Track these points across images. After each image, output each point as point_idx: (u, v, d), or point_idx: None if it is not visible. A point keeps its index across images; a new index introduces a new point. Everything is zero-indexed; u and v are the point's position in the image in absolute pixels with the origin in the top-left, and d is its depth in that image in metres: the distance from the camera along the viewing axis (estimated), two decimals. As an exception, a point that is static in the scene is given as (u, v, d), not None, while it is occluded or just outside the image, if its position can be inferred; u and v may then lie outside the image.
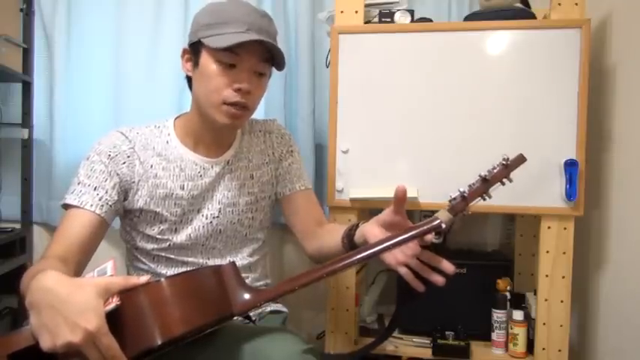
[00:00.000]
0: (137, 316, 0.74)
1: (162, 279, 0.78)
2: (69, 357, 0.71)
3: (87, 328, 0.68)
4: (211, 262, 1.12)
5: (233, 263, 0.88)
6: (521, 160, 0.89)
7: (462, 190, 0.87)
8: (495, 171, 0.88)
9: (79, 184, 1.03)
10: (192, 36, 1.06)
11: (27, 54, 1.82)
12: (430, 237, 0.87)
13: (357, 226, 1.00)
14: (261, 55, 1.03)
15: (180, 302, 0.76)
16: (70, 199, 1.01)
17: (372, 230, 0.91)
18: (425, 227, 0.85)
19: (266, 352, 0.86)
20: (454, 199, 0.87)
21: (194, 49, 1.06)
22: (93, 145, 1.07)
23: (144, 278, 0.76)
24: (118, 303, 0.73)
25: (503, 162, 0.88)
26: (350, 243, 1.00)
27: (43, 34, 1.83)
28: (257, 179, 1.18)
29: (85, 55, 1.83)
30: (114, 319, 0.72)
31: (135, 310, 0.74)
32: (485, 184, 0.87)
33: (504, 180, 0.88)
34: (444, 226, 0.85)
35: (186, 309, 0.77)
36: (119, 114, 1.78)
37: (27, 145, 1.84)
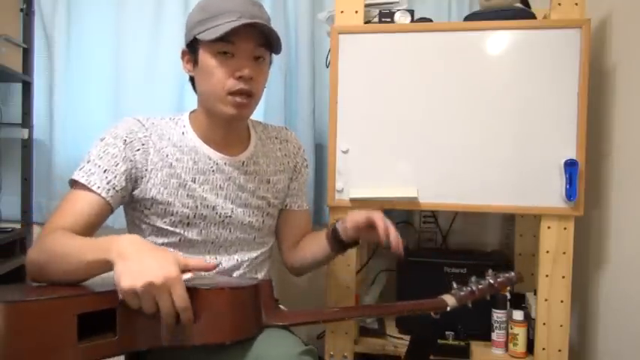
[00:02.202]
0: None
1: (219, 288, 0.84)
2: (137, 307, 0.77)
3: (170, 273, 0.76)
4: (218, 261, 1.12)
5: (269, 281, 0.95)
6: (520, 279, 1.13)
7: (473, 287, 1.07)
8: (500, 280, 1.10)
9: (88, 162, 1.02)
10: (188, 35, 1.07)
11: (27, 54, 1.82)
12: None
13: (334, 228, 1.13)
14: (257, 40, 1.03)
15: (231, 313, 0.84)
16: (77, 176, 1.00)
17: (352, 225, 1.09)
18: (432, 305, 1.05)
19: (264, 354, 0.86)
20: (463, 290, 1.07)
21: (192, 48, 1.07)
22: (108, 128, 1.06)
23: (214, 262, 0.94)
24: (193, 276, 0.80)
25: (508, 276, 1.11)
26: (338, 243, 1.13)
27: (43, 34, 1.84)
28: (272, 185, 1.18)
29: (84, 55, 1.84)
30: None
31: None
32: (491, 288, 1.08)
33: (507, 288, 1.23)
34: (448, 309, 1.04)
35: (233, 319, 0.84)
36: (119, 114, 1.78)
37: (27, 145, 1.84)
